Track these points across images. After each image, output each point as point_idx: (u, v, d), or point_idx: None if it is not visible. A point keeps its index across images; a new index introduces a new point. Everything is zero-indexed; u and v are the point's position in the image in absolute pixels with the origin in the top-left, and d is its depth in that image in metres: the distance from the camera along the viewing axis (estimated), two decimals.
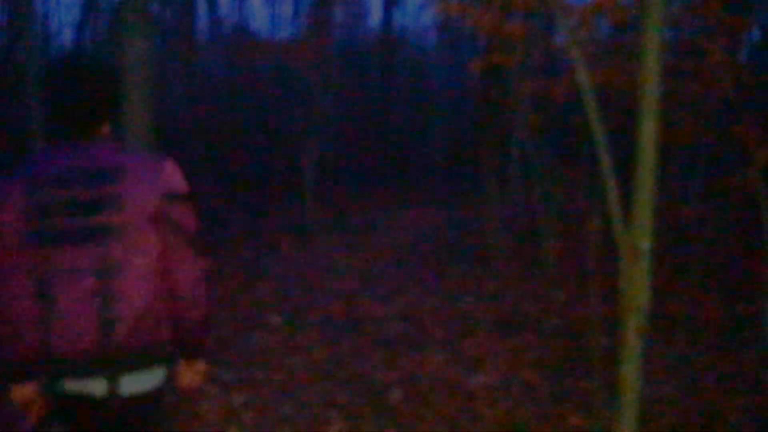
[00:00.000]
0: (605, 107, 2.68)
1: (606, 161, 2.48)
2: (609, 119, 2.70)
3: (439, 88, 14.94)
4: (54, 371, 1.96)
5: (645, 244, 2.38)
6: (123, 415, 2.00)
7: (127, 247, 1.93)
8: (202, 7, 14.84)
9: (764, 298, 4.63)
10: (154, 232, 1.96)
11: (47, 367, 1.95)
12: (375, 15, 24.54)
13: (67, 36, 17.82)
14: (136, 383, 1.99)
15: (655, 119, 2.32)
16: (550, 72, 7.69)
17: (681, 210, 5.29)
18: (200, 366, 2.22)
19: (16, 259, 1.94)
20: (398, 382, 4.19)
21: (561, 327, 5.11)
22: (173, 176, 2.02)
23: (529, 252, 7.08)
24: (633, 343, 2.44)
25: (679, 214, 5.28)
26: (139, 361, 1.98)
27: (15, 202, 1.93)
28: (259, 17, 38.00)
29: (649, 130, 2.32)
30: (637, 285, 2.41)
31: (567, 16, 2.74)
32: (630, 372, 2.46)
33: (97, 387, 1.96)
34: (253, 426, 3.67)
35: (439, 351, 4.71)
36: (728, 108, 5.02)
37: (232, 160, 11.34)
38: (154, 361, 2.03)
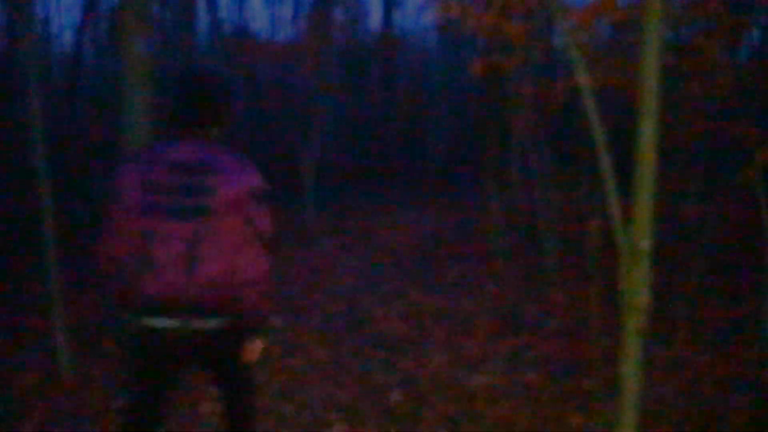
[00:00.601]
0: (605, 108, 2.68)
1: (605, 162, 2.48)
2: (609, 119, 2.70)
3: (439, 90, 14.94)
4: (143, 310, 2.54)
5: (645, 244, 2.38)
6: (189, 346, 2.59)
7: (212, 225, 2.49)
8: (202, 9, 14.86)
9: (764, 299, 4.63)
10: (234, 217, 2.49)
11: (139, 306, 2.54)
12: (375, 16, 24.58)
13: (68, 38, 17.83)
14: (201, 324, 2.54)
15: (655, 119, 2.32)
16: (550, 73, 7.70)
17: (681, 210, 5.29)
18: (258, 344, 2.67)
19: (131, 223, 2.53)
20: (399, 383, 4.20)
21: (561, 327, 5.11)
22: (255, 178, 2.54)
23: (530, 252, 7.08)
24: (633, 343, 2.44)
25: (679, 214, 5.28)
26: (206, 310, 2.53)
27: (135, 180, 2.52)
28: (259, 19, 38.05)
29: (648, 131, 2.32)
30: (637, 285, 2.41)
31: (566, 17, 2.74)
32: (630, 372, 2.47)
33: (173, 324, 2.54)
34: None
35: (439, 351, 4.71)
36: (728, 108, 5.02)
37: None
38: (216, 312, 2.54)
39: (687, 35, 5.18)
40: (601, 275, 4.19)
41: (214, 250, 2.50)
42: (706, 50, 4.51)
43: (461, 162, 12.92)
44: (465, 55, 14.31)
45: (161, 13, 13.34)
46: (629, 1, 4.61)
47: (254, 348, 2.67)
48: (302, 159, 9.50)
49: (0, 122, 10.01)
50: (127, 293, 2.58)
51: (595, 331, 4.15)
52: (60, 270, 4.18)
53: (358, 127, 14.00)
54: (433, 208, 10.38)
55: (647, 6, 2.27)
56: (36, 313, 5.18)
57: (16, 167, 8.68)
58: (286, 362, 4.53)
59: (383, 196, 11.40)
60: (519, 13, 5.24)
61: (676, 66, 4.64)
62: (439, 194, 11.59)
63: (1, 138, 9.71)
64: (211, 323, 2.55)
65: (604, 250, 4.24)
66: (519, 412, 3.81)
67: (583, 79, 2.52)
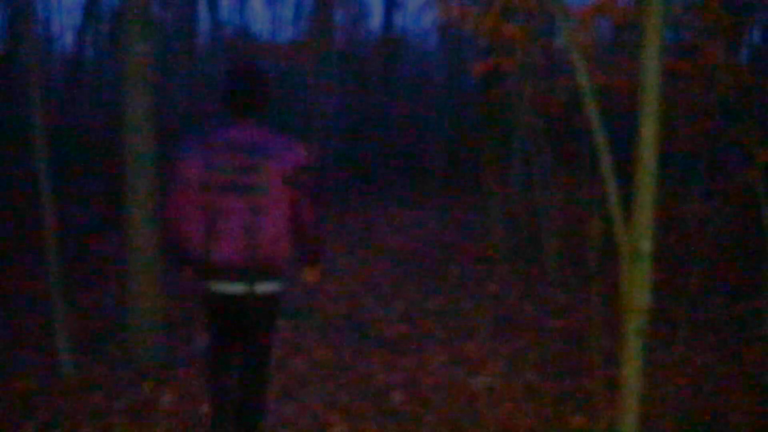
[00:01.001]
0: (606, 108, 2.68)
1: (606, 163, 2.48)
2: (609, 120, 2.70)
3: (440, 90, 14.93)
4: (213, 277, 3.01)
5: (646, 245, 2.38)
6: (251, 313, 3.10)
7: (268, 199, 2.92)
8: (203, 11, 14.87)
9: (765, 298, 4.63)
10: (286, 190, 2.93)
11: (209, 274, 3.01)
12: (376, 18, 24.57)
13: (69, 39, 17.84)
14: (264, 287, 3.04)
15: (656, 120, 2.32)
16: (550, 74, 7.70)
17: (682, 211, 5.29)
18: (318, 268, 3.30)
19: (195, 199, 2.95)
20: (400, 384, 4.20)
21: (562, 328, 5.11)
22: (301, 154, 2.97)
23: (531, 253, 7.08)
24: (634, 343, 2.44)
25: (680, 215, 5.29)
26: (268, 274, 3.02)
27: (198, 160, 2.94)
28: (260, 20, 38.06)
29: (649, 132, 2.33)
30: (638, 286, 2.41)
31: (567, 18, 2.74)
32: (631, 373, 2.47)
33: (239, 288, 3.01)
34: None
35: (440, 352, 4.71)
36: (729, 109, 5.02)
37: None
38: (276, 275, 3.06)
39: (688, 36, 5.19)
40: (602, 276, 4.19)
41: (270, 220, 2.94)
42: (706, 51, 4.51)
43: (462, 162, 12.92)
44: (466, 56, 14.30)
45: (162, 14, 13.35)
46: (630, 1, 4.62)
47: (315, 272, 3.31)
48: None
49: (1, 123, 10.02)
50: (196, 262, 3.03)
51: (596, 331, 4.15)
52: (61, 271, 4.18)
53: (358, 128, 14.00)
54: (434, 209, 10.38)
55: (648, 7, 2.27)
56: (37, 315, 5.19)
57: (17, 169, 8.68)
58: (287, 363, 4.53)
59: (384, 196, 11.41)
60: (519, 14, 5.25)
61: (676, 67, 4.65)
62: (440, 195, 11.60)
63: (1, 139, 9.72)
64: (269, 287, 3.06)
65: (604, 250, 4.24)
66: (520, 412, 3.81)
67: (583, 79, 2.53)
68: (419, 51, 18.18)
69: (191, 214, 2.98)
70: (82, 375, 4.22)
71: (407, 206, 10.63)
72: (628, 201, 2.41)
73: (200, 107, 10.80)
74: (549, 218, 6.58)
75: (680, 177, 5.71)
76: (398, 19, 17.57)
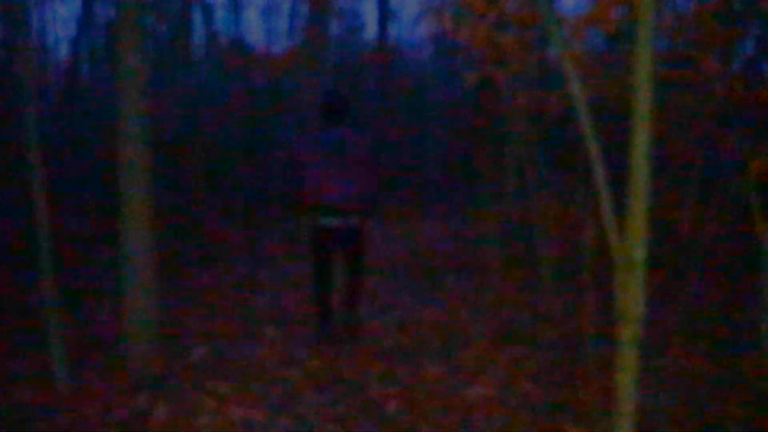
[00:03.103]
0: (599, 118, 2.70)
1: (599, 172, 2.49)
2: (603, 129, 2.72)
3: (434, 100, 14.98)
4: (322, 213, 4.97)
5: (640, 254, 2.39)
6: (347, 236, 5.07)
7: (352, 169, 4.93)
8: (197, 22, 14.88)
9: (760, 308, 4.64)
10: (361, 164, 4.97)
11: (318, 211, 4.96)
12: (370, 28, 24.63)
13: (64, 50, 17.85)
14: (352, 221, 5.02)
15: (649, 129, 2.33)
16: (544, 84, 7.72)
17: (676, 219, 5.30)
18: (370, 220, 5.28)
19: (310, 172, 4.91)
20: (396, 394, 4.19)
21: (557, 338, 5.12)
22: (368, 144, 5.06)
23: (526, 263, 7.08)
24: (629, 352, 2.44)
25: (673, 224, 5.30)
26: (354, 211, 5.00)
27: (311, 148, 4.96)
28: (254, 31, 38.09)
29: (642, 141, 2.34)
30: (632, 295, 2.41)
31: (559, 29, 2.76)
32: (626, 382, 2.47)
33: (338, 222, 4.98)
34: None
35: (436, 362, 4.71)
36: (721, 118, 5.04)
37: (228, 173, 11.35)
38: (358, 212, 5.03)
39: (680, 46, 5.21)
40: (596, 285, 4.19)
41: (354, 182, 4.97)
42: (699, 61, 4.53)
43: (457, 172, 12.93)
44: (460, 66, 14.34)
45: (157, 25, 13.37)
46: (622, 12, 4.64)
47: (369, 223, 5.35)
48: None
49: None
50: (312, 207, 4.99)
51: (591, 341, 4.15)
52: (55, 282, 4.18)
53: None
54: (429, 219, 10.39)
55: (640, 17, 2.29)
56: (32, 326, 5.17)
57: (12, 179, 8.67)
58: (282, 374, 4.52)
59: (378, 206, 11.40)
60: (513, 24, 5.27)
61: (669, 76, 4.67)
62: (435, 204, 11.61)
63: None
64: (354, 220, 5.04)
65: (599, 260, 4.24)
66: (516, 422, 3.81)
67: (576, 89, 2.54)
68: (414, 62, 18.23)
69: (310, 181, 4.94)
70: (77, 386, 4.20)
71: (402, 216, 10.64)
72: (621, 209, 2.42)
73: (195, 117, 10.79)
74: (543, 227, 6.58)
75: (674, 186, 5.72)
76: (393, 30, 17.59)
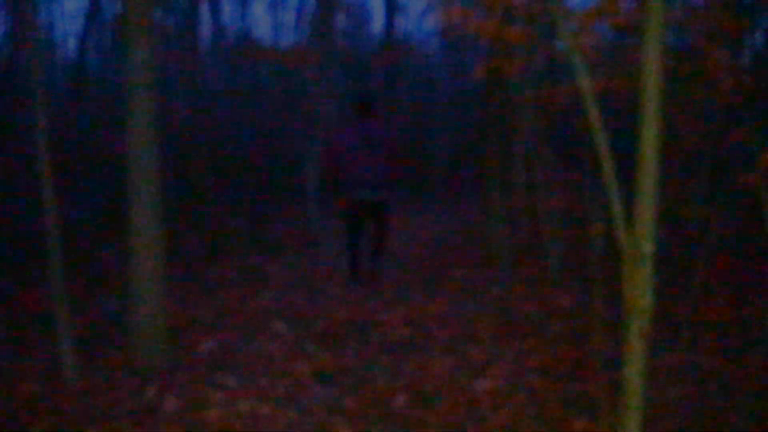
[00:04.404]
0: (607, 111, 2.69)
1: (608, 165, 2.48)
2: (611, 123, 2.71)
3: (441, 94, 14.95)
4: (355, 188, 6.29)
5: (648, 247, 2.38)
6: (376, 207, 6.43)
7: (383, 153, 6.32)
8: (205, 15, 14.87)
9: None
10: (386, 149, 6.33)
11: (352, 187, 6.29)
12: (377, 21, 24.57)
13: (71, 45, 17.88)
14: (380, 195, 6.35)
15: (657, 123, 2.32)
16: (552, 77, 7.70)
17: (684, 213, 5.29)
18: (395, 194, 6.66)
19: (345, 156, 6.31)
20: (403, 388, 4.20)
21: (565, 331, 5.11)
22: (394, 133, 6.61)
23: (533, 256, 7.08)
24: (637, 346, 2.44)
25: (682, 217, 5.28)
26: (380, 187, 6.32)
27: (345, 136, 6.36)
28: (262, 24, 38.12)
29: (651, 134, 2.33)
30: (640, 288, 2.41)
31: (568, 21, 2.75)
32: (634, 376, 2.47)
33: (368, 195, 6.32)
34: None
35: (443, 356, 4.71)
36: (730, 111, 5.02)
37: (235, 167, 11.37)
38: (384, 187, 6.34)
39: (689, 39, 5.19)
40: (604, 278, 4.18)
41: (380, 163, 6.24)
42: (708, 54, 4.51)
43: (464, 165, 12.92)
44: (467, 59, 14.31)
45: (164, 19, 13.36)
46: (631, 4, 4.61)
47: (394, 195, 6.52)
48: (305, 164, 9.51)
49: (4, 129, 10.03)
50: (347, 183, 6.26)
51: (599, 334, 4.14)
52: (64, 276, 4.19)
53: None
54: (437, 212, 10.38)
55: (648, 9, 2.28)
56: (40, 320, 5.20)
57: (21, 174, 8.70)
58: (290, 367, 4.53)
59: None
60: (521, 17, 5.25)
61: (678, 69, 4.65)
62: (443, 198, 11.60)
63: (5, 145, 9.74)
64: (382, 194, 6.31)
65: (607, 253, 4.23)
66: (523, 416, 3.81)
67: (584, 83, 2.53)
68: (421, 55, 18.19)
69: (344, 163, 6.27)
70: (85, 380, 4.22)
71: (410, 210, 10.63)
72: (630, 203, 2.41)
73: (202, 111, 10.80)
74: (551, 221, 6.57)
75: (682, 180, 5.70)
76: (400, 23, 17.57)
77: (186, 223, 8.72)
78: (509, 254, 7.11)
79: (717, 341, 4.75)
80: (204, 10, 14.20)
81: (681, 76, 4.79)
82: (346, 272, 6.78)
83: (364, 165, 6.21)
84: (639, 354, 2.45)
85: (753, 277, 5.55)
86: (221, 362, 4.61)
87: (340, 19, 14.40)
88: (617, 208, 2.47)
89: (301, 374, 4.42)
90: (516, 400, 4.01)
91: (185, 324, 5.26)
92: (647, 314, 2.42)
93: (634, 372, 2.46)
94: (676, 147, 5.30)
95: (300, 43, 14.37)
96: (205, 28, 14.90)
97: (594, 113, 2.51)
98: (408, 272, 7.16)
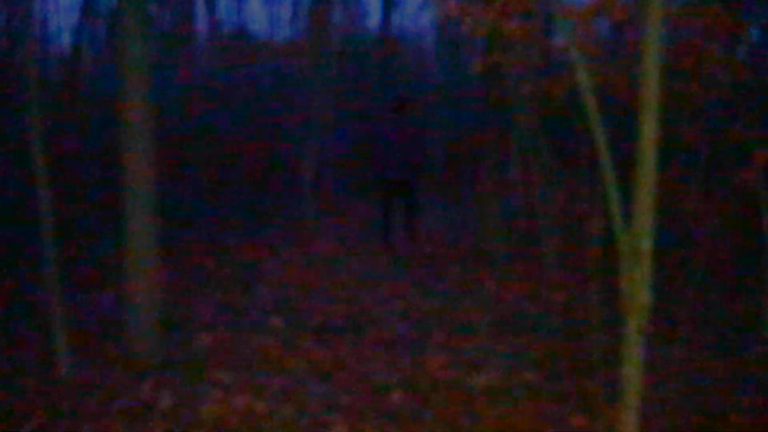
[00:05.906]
0: (605, 107, 2.68)
1: (606, 161, 2.47)
2: (609, 119, 2.70)
3: (438, 89, 14.91)
4: (388, 170, 7.87)
5: (645, 244, 2.38)
6: (404, 186, 7.94)
7: (409, 142, 7.82)
8: (201, 10, 14.84)
9: (765, 298, 4.63)
10: (412, 137, 7.88)
11: (387, 170, 7.88)
12: (374, 16, 24.53)
13: (66, 39, 17.81)
14: (408, 176, 7.89)
15: (655, 119, 2.31)
16: (549, 72, 7.68)
17: (681, 210, 5.28)
18: (421, 176, 8.21)
19: (385, 147, 7.86)
20: (399, 384, 4.19)
21: (562, 327, 5.10)
22: (418, 128, 8.18)
23: (530, 252, 7.07)
24: (634, 343, 2.44)
25: (679, 214, 5.28)
26: (410, 170, 7.86)
27: (384, 129, 8.09)
28: (258, 19, 38.02)
29: (649, 130, 2.32)
30: (638, 285, 2.40)
31: (566, 17, 2.74)
32: (631, 372, 2.46)
33: (398, 176, 7.86)
34: (255, 429, 3.67)
35: (439, 352, 4.70)
36: (727, 108, 5.02)
37: (231, 162, 11.34)
38: (410, 171, 7.87)
39: (686, 35, 5.17)
40: (601, 275, 4.18)
41: (408, 152, 7.71)
42: (705, 50, 4.50)
43: (461, 161, 12.89)
44: (464, 54, 14.29)
45: (160, 13, 13.33)
46: (628, 0, 4.60)
47: (421, 176, 8.08)
48: (301, 159, 9.49)
49: None
50: (381, 166, 7.83)
51: (596, 331, 4.14)
52: (59, 271, 4.17)
53: (356, 126, 13.97)
54: (433, 208, 10.37)
55: (647, 5, 2.27)
56: (35, 315, 5.17)
57: (15, 169, 8.66)
58: (286, 363, 4.52)
59: None
60: (518, 12, 5.24)
61: (675, 65, 4.63)
62: (439, 194, 11.58)
63: None
64: (408, 175, 7.81)
65: (604, 249, 4.23)
66: (519, 412, 3.80)
67: (583, 78, 2.52)
68: (417, 50, 18.16)
69: (383, 150, 7.75)
70: (81, 375, 4.21)
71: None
72: (627, 199, 2.40)
73: (198, 106, 10.79)
74: (548, 217, 6.56)
75: (680, 176, 5.70)
76: (396, 18, 17.50)
77: (182, 217, 8.69)
78: (506, 250, 7.10)
79: (714, 338, 4.76)
80: (199, 4, 14.18)
81: (678, 72, 4.78)
82: (377, 243, 8.08)
83: (396, 153, 7.69)
84: (637, 350, 2.44)
85: (750, 274, 5.55)
86: (217, 358, 4.60)
87: (336, 14, 14.35)
88: (615, 205, 2.46)
89: (297, 370, 4.41)
90: (512, 396, 4.00)
91: (181, 319, 5.24)
92: (644, 311, 2.41)
93: (631, 368, 2.46)
94: (674, 143, 5.28)
95: (296, 37, 14.34)
96: (201, 23, 14.87)
97: (592, 109, 2.50)
98: (403, 268, 7.14)
